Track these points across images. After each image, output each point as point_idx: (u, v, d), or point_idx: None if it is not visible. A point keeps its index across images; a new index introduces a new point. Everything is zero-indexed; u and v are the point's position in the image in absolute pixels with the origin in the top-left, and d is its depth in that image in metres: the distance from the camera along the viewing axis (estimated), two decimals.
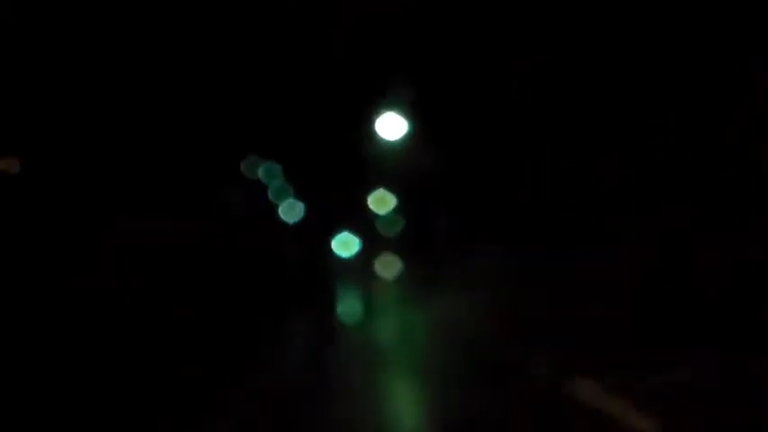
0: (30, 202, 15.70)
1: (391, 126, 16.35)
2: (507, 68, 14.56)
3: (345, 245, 12.42)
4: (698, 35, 10.46)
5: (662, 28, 11.17)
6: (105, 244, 14.79)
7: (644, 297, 10.33)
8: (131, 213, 16.32)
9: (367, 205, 21.69)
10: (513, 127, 16.06)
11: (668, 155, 11.03)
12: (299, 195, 24.93)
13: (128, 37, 16.69)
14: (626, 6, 12.02)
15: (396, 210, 21.62)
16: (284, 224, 22.69)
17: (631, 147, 11.94)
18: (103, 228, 15.39)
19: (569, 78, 13.71)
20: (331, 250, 12.16)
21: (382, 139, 18.53)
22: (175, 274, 15.03)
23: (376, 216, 21.30)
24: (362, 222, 18.62)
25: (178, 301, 13.72)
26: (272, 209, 23.95)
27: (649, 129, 11.44)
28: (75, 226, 14.94)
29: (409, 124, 18.25)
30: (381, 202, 21.50)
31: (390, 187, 21.84)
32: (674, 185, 10.80)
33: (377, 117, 18.29)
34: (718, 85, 10.22)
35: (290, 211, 23.83)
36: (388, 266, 14.83)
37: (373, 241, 17.51)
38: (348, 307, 12.46)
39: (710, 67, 10.34)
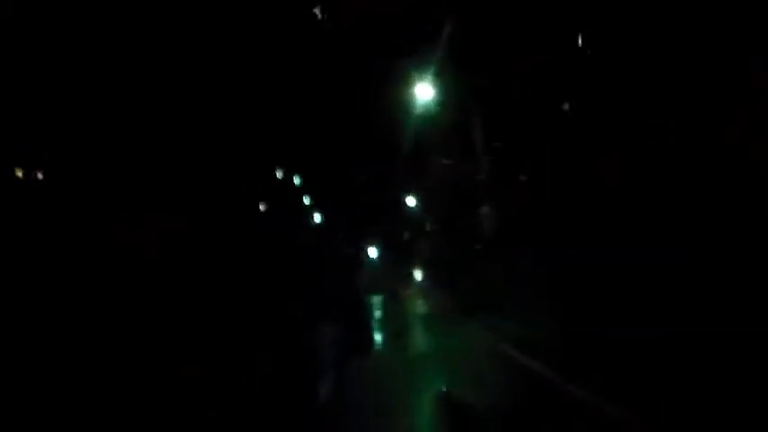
0: (29, 202, 15.71)
1: (425, 93, 16.20)
2: (507, 68, 14.56)
3: (371, 250, 12.31)
4: (698, 35, 10.46)
5: (662, 28, 11.17)
6: (105, 244, 14.79)
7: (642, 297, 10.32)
8: (139, 213, 16.36)
9: (392, 210, 21.80)
10: (512, 126, 16.06)
11: (668, 155, 11.02)
12: (324, 200, 25.11)
13: (122, 38, 16.69)
14: (626, 6, 12.02)
15: (420, 214, 21.66)
16: (310, 229, 22.81)
17: (631, 147, 11.94)
18: (103, 228, 15.39)
19: (569, 78, 13.71)
20: (357, 255, 11.96)
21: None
22: (184, 276, 15.13)
23: (403, 221, 21.38)
24: (388, 228, 18.54)
25: (186, 305, 13.80)
26: (298, 215, 24.12)
27: (649, 129, 11.44)
28: (75, 226, 14.94)
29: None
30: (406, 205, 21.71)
31: (416, 191, 21.93)
32: (674, 185, 10.79)
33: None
34: (718, 85, 10.22)
35: (314, 216, 24.01)
36: (417, 271, 14.71)
37: (399, 246, 17.50)
38: (375, 315, 12.27)
39: (710, 67, 10.34)
